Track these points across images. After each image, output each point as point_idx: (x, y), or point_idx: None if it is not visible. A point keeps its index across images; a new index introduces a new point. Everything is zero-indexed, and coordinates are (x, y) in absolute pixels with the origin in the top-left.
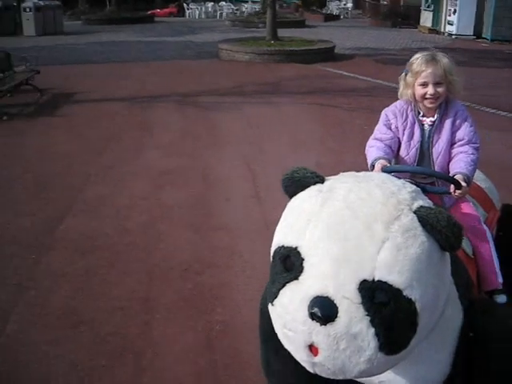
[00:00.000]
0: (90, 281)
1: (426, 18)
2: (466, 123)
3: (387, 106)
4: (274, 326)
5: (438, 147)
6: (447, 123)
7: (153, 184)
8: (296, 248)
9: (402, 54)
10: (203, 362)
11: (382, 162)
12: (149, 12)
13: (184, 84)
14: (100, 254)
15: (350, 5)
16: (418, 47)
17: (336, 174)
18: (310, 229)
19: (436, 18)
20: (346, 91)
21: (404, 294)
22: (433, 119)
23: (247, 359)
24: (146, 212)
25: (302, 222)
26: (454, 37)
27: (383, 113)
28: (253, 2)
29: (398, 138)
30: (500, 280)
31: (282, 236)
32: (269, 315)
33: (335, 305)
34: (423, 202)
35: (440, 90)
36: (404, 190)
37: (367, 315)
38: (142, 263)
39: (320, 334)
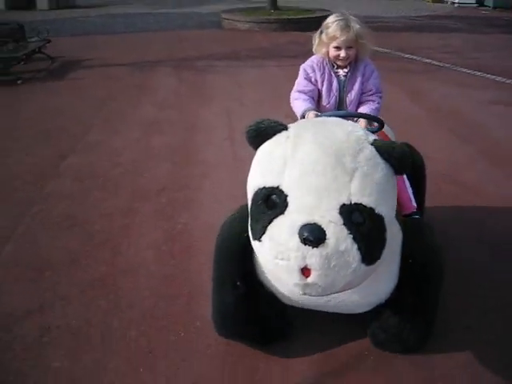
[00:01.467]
0: (85, 198)
1: None
2: (374, 76)
3: (375, 68)
4: (263, 260)
5: (351, 96)
6: (358, 75)
7: (144, 132)
8: (278, 187)
9: (398, 21)
10: (164, 249)
11: (313, 111)
12: None
13: (184, 51)
14: (95, 180)
15: None
16: (416, 15)
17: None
18: (289, 169)
19: None
20: None
21: (376, 211)
22: (346, 70)
23: (198, 246)
24: (137, 151)
25: (279, 164)
26: (456, 5)
27: (301, 68)
28: None
29: (318, 90)
30: (414, 204)
31: (261, 179)
32: (225, 250)
33: (323, 229)
34: (373, 136)
35: (351, 52)
36: (356, 127)
37: (350, 233)
38: (129, 187)
39: (313, 256)
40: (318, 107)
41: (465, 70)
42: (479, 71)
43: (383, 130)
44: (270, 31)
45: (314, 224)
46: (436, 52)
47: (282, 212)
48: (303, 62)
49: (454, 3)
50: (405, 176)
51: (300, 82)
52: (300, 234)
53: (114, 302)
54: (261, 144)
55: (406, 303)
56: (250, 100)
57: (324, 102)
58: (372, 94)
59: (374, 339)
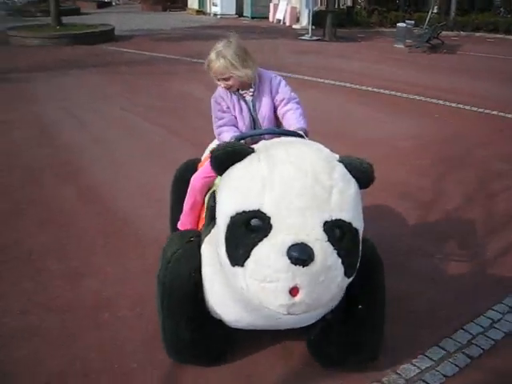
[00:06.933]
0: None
1: (193, 1)
2: (282, 85)
3: (160, 70)
4: (246, 286)
5: (262, 112)
6: (265, 91)
7: None
8: (259, 209)
9: (174, 32)
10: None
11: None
12: None
13: None
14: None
15: None
16: (188, 26)
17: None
18: (268, 190)
19: (202, 1)
20: (128, 62)
21: (353, 225)
22: (252, 90)
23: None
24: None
25: (257, 186)
26: (219, 16)
27: (212, 101)
28: None
29: (234, 116)
30: None
31: (238, 203)
32: (176, 292)
33: (310, 247)
34: (336, 154)
35: (230, 82)
36: (322, 146)
37: (334, 249)
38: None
39: (304, 274)
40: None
41: None
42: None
43: None
44: (60, 45)
45: (302, 243)
46: None
47: (266, 235)
48: (110, 70)
49: (216, 15)
50: None
51: (217, 116)
52: (289, 254)
53: None
54: (227, 168)
55: (355, 308)
56: (68, 103)
57: (239, 124)
58: (287, 103)
59: (326, 359)
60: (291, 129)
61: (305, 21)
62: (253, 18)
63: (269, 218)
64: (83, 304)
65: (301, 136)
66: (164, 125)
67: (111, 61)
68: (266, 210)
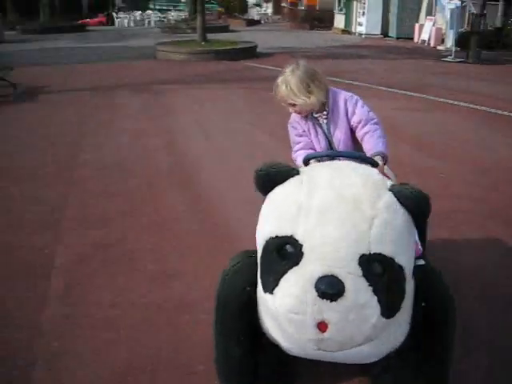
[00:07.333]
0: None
1: (339, 21)
2: (358, 106)
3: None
4: (274, 313)
5: (337, 135)
6: (340, 113)
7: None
8: (292, 236)
9: (316, 50)
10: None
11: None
12: (80, 21)
13: (134, 77)
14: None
15: (269, 10)
16: (330, 45)
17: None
18: (303, 216)
19: (348, 20)
20: (264, 79)
21: (396, 261)
22: (325, 113)
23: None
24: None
25: (293, 211)
26: (363, 36)
27: (289, 126)
28: (177, 10)
29: (311, 140)
30: (420, 248)
31: (273, 227)
32: (229, 305)
33: (341, 281)
34: (389, 181)
35: (296, 108)
36: (373, 171)
37: (369, 285)
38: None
39: (331, 310)
40: None
41: (382, 88)
42: (393, 88)
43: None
44: (203, 61)
45: (332, 276)
46: (354, 74)
47: (296, 263)
48: (245, 85)
49: (361, 34)
50: None
51: (294, 141)
52: (317, 287)
53: None
54: (271, 189)
55: (420, 350)
56: (210, 113)
57: (316, 147)
58: (365, 125)
59: None
60: (369, 154)
61: (450, 42)
62: (398, 38)
63: (301, 246)
64: (167, 304)
65: (375, 163)
66: (285, 140)
67: (247, 76)
68: (299, 236)
